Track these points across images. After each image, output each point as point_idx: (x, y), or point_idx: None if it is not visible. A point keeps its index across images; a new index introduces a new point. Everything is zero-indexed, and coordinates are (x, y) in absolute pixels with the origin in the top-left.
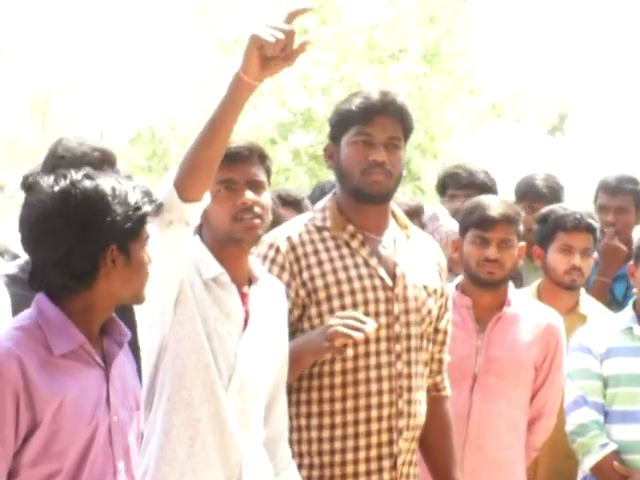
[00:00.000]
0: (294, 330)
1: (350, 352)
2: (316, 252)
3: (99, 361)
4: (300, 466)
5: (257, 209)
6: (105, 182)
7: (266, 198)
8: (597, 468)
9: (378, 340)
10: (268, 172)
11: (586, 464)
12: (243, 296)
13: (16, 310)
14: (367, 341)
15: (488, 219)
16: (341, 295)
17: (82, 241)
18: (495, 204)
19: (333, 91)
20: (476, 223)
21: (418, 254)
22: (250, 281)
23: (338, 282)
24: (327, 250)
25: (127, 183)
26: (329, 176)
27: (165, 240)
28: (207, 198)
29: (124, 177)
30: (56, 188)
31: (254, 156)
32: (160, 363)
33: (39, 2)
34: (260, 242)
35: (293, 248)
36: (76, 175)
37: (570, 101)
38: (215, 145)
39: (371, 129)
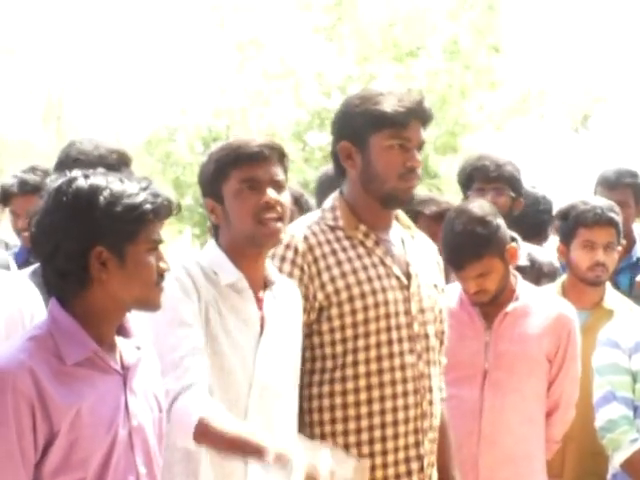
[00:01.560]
0: (311, 332)
1: (373, 354)
2: (334, 252)
3: (115, 367)
4: None
5: (279, 209)
6: (102, 181)
7: (286, 197)
8: (627, 464)
9: (400, 340)
10: (286, 170)
11: (616, 460)
12: (259, 301)
13: None
14: (390, 342)
15: (458, 264)
16: (363, 296)
17: (67, 238)
18: (461, 241)
19: (350, 89)
20: (449, 264)
21: (423, 253)
22: (265, 285)
23: (359, 282)
24: (344, 250)
25: (131, 184)
26: None
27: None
28: None
29: (132, 178)
30: (54, 186)
31: (275, 155)
32: None
33: (53, 4)
34: None
35: (311, 249)
36: (75, 174)
37: (595, 98)
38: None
39: (407, 133)
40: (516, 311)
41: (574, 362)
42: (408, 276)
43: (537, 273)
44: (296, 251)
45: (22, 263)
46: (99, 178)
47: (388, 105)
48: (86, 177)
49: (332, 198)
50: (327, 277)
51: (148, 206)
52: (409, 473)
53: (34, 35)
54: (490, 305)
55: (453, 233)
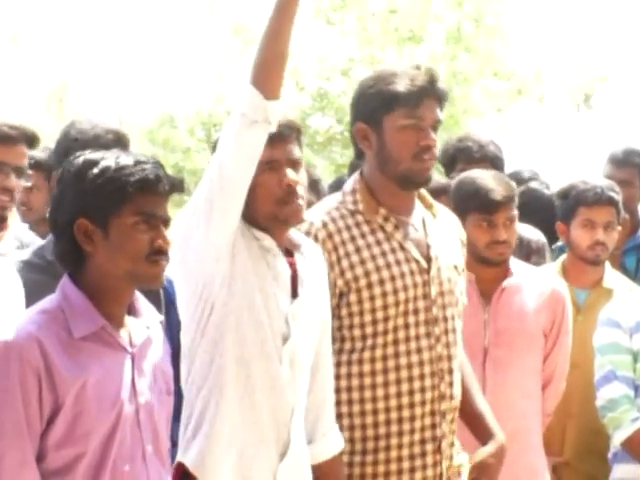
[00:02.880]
0: (332, 315)
1: (390, 337)
2: (353, 239)
3: (123, 344)
4: (340, 453)
5: (300, 189)
6: (98, 157)
7: (303, 175)
8: (628, 442)
9: (417, 324)
10: (301, 147)
11: (617, 439)
12: (290, 264)
13: (32, 295)
14: (407, 325)
15: (493, 203)
16: (381, 282)
17: (60, 212)
18: (496, 185)
19: (353, 73)
20: (480, 207)
21: (445, 233)
22: (290, 251)
23: (377, 269)
24: (363, 236)
25: (127, 159)
26: (342, 157)
27: (247, 141)
28: (284, 99)
29: (133, 154)
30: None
31: (293, 134)
32: (210, 317)
33: None
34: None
35: (330, 236)
36: (81, 152)
37: (597, 77)
38: (279, 41)
39: (421, 112)
40: (511, 287)
41: (567, 336)
42: (428, 259)
43: (526, 250)
44: (315, 239)
45: None
46: (97, 154)
47: (400, 85)
48: (86, 154)
49: (352, 180)
50: (346, 264)
51: (131, 179)
52: (423, 454)
53: (37, 23)
54: (498, 266)
55: (483, 180)
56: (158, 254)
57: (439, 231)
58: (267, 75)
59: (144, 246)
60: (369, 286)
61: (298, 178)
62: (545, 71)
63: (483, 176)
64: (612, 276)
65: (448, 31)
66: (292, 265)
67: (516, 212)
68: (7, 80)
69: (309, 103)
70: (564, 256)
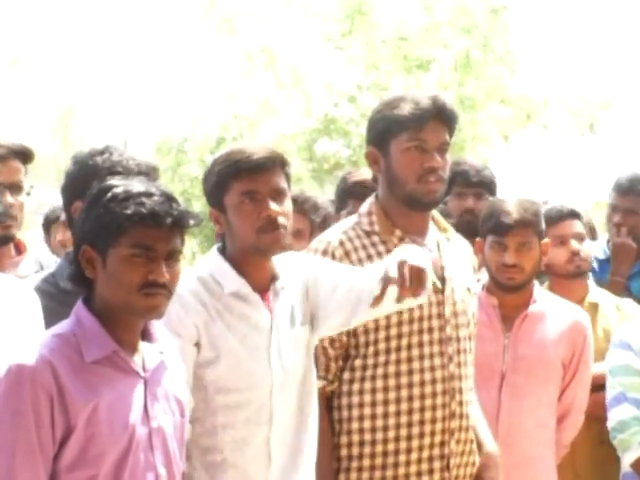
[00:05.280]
0: (348, 333)
1: (404, 355)
2: (369, 257)
3: (136, 368)
4: (349, 469)
5: (281, 219)
6: (111, 184)
7: (288, 205)
8: (636, 464)
9: (431, 343)
10: (288, 177)
11: (626, 460)
12: (267, 300)
13: (45, 322)
14: (421, 344)
15: (503, 225)
16: None
17: (75, 236)
18: (512, 209)
19: (360, 99)
20: (492, 229)
21: (458, 256)
22: (272, 279)
23: None
24: (379, 255)
25: (138, 189)
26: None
27: None
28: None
29: (145, 185)
30: None
31: (276, 165)
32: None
33: (60, 14)
34: (309, 249)
35: (347, 254)
36: (112, 177)
37: (601, 104)
38: None
39: (425, 135)
40: (534, 315)
41: (587, 368)
42: (443, 280)
43: None
44: (333, 257)
45: None
46: (115, 181)
47: (405, 109)
48: (109, 181)
49: (368, 203)
50: None
51: (126, 211)
52: (431, 471)
53: (39, 45)
54: (515, 293)
55: (501, 203)
56: (152, 287)
57: (453, 254)
58: None
59: (136, 278)
60: None
61: (280, 208)
62: (551, 97)
63: (504, 200)
64: (596, 291)
65: (456, 58)
66: (268, 302)
67: (533, 240)
68: (9, 104)
69: (316, 127)
70: (546, 283)
